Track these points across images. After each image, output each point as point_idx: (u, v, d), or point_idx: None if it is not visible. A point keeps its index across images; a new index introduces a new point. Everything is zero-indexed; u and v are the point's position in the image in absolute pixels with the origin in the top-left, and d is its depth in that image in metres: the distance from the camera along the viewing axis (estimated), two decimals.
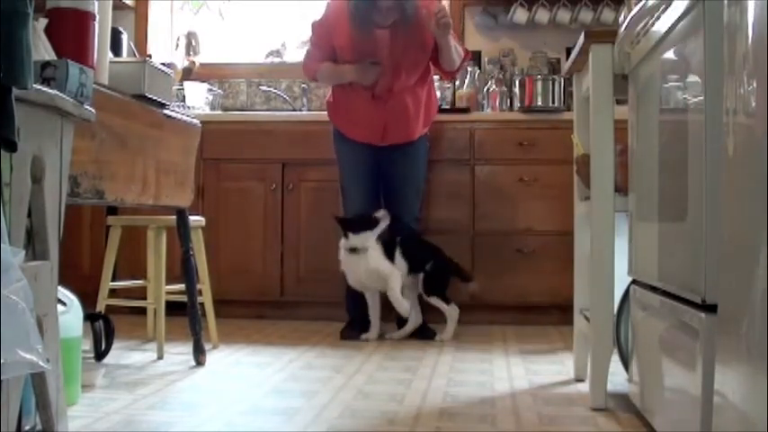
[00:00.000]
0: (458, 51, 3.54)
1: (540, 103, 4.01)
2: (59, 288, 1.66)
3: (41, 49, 1.67)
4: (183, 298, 2.92)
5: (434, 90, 3.77)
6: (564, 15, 4.36)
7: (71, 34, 1.90)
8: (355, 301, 3.62)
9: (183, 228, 2.86)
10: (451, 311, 3.45)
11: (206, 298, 3.24)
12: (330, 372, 2.74)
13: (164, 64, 3.32)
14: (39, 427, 1.43)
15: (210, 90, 4.56)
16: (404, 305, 3.36)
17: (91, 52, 1.96)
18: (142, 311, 3.49)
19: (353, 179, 3.65)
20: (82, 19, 1.93)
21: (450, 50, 3.47)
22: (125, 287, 3.42)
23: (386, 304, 3.48)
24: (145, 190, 2.49)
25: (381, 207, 3.63)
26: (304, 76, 3.83)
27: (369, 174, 3.64)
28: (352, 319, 3.61)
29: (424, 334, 3.46)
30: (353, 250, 3.43)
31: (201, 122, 3.01)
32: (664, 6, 1.70)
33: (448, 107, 4.30)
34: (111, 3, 2.30)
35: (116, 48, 3.64)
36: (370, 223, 3.43)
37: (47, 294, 1.40)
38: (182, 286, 2.94)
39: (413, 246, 3.50)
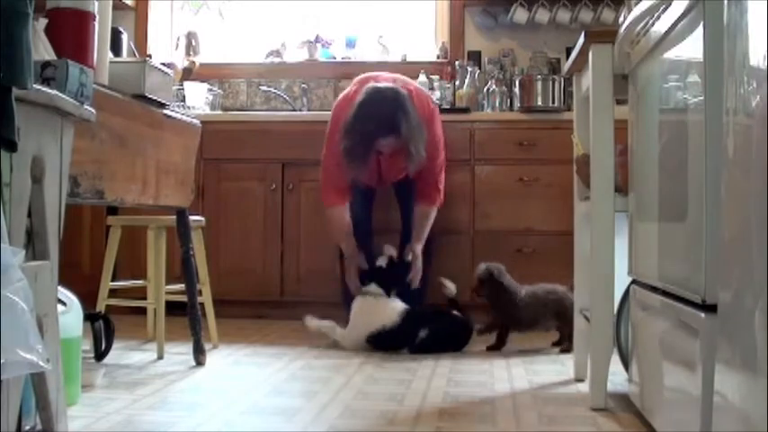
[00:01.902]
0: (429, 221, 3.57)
1: (540, 103, 4.00)
2: (59, 288, 1.66)
3: (41, 49, 1.67)
4: (183, 298, 2.92)
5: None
6: (564, 15, 4.36)
7: (71, 34, 1.90)
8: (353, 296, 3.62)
9: (183, 228, 2.85)
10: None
11: (206, 298, 3.24)
12: (330, 372, 2.74)
13: (164, 64, 3.32)
14: (39, 427, 1.43)
15: (210, 90, 4.56)
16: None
17: (91, 52, 1.96)
18: (142, 311, 3.49)
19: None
20: (82, 19, 1.93)
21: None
22: (125, 287, 3.42)
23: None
24: (145, 190, 2.49)
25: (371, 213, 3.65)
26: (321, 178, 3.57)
27: (367, 190, 3.65)
28: None
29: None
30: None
31: (201, 122, 3.01)
32: (664, 6, 1.70)
33: (448, 107, 4.30)
34: (111, 3, 2.30)
35: (116, 48, 3.64)
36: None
37: (47, 294, 1.40)
38: (182, 286, 2.94)
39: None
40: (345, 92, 3.52)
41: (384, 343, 3.17)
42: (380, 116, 3.20)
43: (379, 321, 3.18)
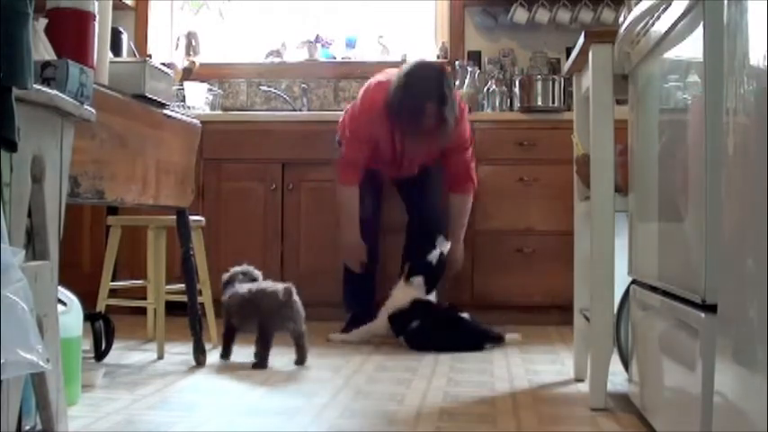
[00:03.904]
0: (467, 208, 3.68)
1: (540, 103, 4.01)
2: (59, 288, 1.66)
3: (41, 49, 1.67)
4: (183, 298, 2.92)
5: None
6: (564, 15, 4.36)
7: (71, 34, 1.91)
8: (355, 295, 3.61)
9: (183, 228, 2.85)
10: None
11: (206, 298, 3.24)
12: (330, 372, 2.74)
13: (164, 64, 3.32)
14: (39, 427, 1.43)
15: (210, 90, 4.56)
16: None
17: (91, 52, 1.96)
18: (142, 311, 3.49)
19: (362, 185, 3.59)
20: (82, 19, 1.93)
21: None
22: (125, 287, 3.42)
23: None
24: (145, 190, 2.49)
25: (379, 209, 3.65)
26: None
27: (379, 184, 3.68)
28: (354, 316, 3.59)
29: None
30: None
31: (201, 122, 3.01)
32: (664, 6, 1.70)
33: None
34: (111, 3, 2.30)
35: (116, 48, 3.64)
36: None
37: (47, 294, 1.40)
38: (182, 286, 2.94)
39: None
40: (377, 79, 3.52)
41: (394, 324, 3.28)
42: (430, 81, 3.34)
43: (399, 303, 3.30)
